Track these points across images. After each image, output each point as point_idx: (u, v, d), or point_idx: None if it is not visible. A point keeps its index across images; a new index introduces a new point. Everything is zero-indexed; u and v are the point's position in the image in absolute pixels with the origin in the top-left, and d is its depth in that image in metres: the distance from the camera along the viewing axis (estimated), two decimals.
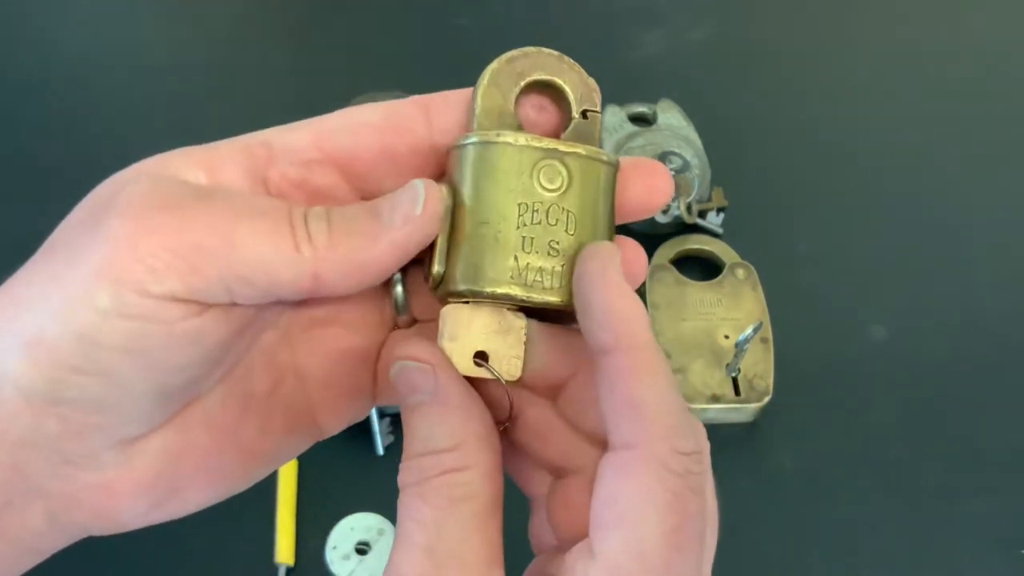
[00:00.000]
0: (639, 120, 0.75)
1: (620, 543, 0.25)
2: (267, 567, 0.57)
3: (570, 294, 0.28)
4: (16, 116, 0.79)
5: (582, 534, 0.27)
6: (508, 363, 0.29)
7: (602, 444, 0.28)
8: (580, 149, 0.29)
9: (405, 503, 0.26)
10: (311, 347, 0.30)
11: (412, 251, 0.27)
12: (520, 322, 0.29)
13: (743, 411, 0.61)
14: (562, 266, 0.28)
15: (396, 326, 0.31)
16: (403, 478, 0.27)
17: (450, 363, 0.28)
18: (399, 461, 0.27)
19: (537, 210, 0.28)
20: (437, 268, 0.29)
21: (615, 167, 0.30)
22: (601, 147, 0.30)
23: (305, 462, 0.60)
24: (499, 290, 0.28)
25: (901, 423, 0.63)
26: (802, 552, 0.59)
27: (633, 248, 0.30)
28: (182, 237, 0.25)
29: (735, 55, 0.84)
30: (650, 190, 0.30)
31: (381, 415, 0.61)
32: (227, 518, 0.59)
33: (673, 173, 0.70)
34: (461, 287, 0.28)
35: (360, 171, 0.30)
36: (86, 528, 0.28)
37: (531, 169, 0.28)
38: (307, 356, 0.30)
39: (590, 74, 0.31)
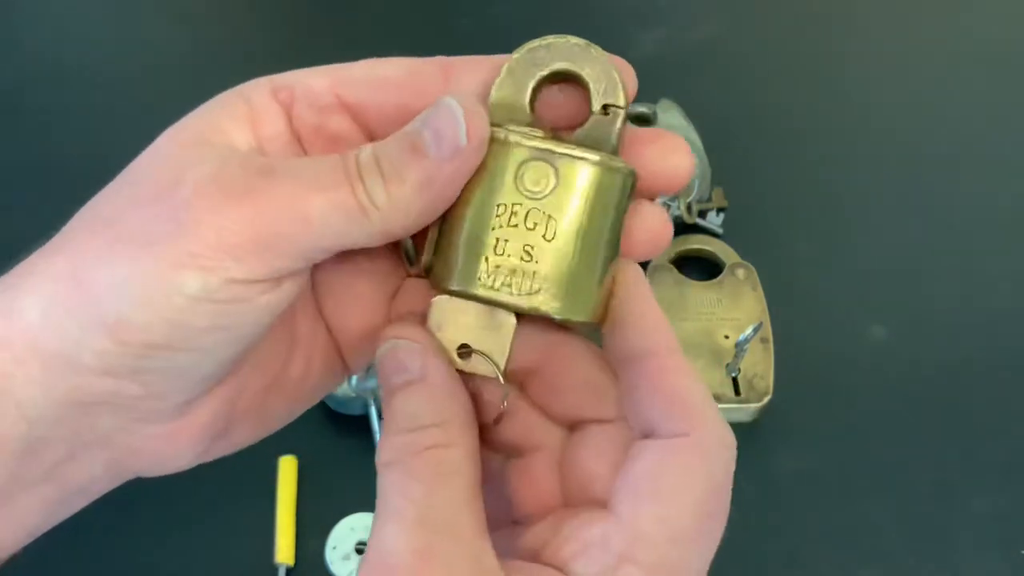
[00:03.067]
0: (639, 120, 0.75)
1: (653, 514, 0.26)
2: (267, 567, 0.57)
3: (543, 302, 0.28)
4: (15, 116, 0.79)
5: (544, 508, 0.29)
6: (491, 359, 0.29)
7: (568, 426, 0.30)
8: (579, 152, 0.27)
9: (391, 480, 0.26)
10: (336, 295, 0.31)
11: (467, 178, 0.27)
12: (510, 320, 0.29)
13: (743, 411, 0.61)
14: (534, 272, 0.27)
15: (410, 274, 0.31)
16: (385, 456, 0.27)
17: (439, 346, 0.28)
18: None
19: (516, 212, 0.27)
20: (425, 257, 0.29)
21: (626, 176, 0.28)
22: (617, 147, 0.28)
23: (305, 462, 0.60)
24: (467, 289, 0.28)
25: (901, 423, 0.63)
26: (802, 552, 0.59)
27: (660, 218, 0.30)
28: (262, 224, 0.25)
29: (735, 55, 0.84)
30: (665, 168, 0.29)
31: (381, 415, 0.61)
32: (227, 518, 0.59)
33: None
34: (437, 281, 0.29)
35: (373, 122, 0.30)
36: (139, 472, 0.29)
37: (516, 169, 0.27)
38: (333, 303, 0.31)
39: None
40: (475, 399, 0.29)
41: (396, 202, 0.26)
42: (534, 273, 0.27)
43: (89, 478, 0.28)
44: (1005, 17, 0.88)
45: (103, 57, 0.84)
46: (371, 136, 0.30)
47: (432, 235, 0.29)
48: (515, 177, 0.27)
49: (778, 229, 0.73)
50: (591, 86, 0.29)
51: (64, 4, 0.88)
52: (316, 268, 0.30)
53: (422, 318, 0.29)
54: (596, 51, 0.29)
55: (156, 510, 0.56)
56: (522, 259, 0.27)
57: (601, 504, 0.28)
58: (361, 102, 0.29)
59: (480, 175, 0.27)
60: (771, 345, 0.63)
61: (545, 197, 0.27)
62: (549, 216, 0.27)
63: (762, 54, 0.85)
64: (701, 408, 0.27)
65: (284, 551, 0.57)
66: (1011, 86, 0.82)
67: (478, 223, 0.28)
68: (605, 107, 0.29)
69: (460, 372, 0.29)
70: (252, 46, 0.85)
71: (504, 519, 0.30)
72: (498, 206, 0.27)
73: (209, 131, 0.28)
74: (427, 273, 0.29)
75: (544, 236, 0.27)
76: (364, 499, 0.58)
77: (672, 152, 0.29)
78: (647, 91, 0.76)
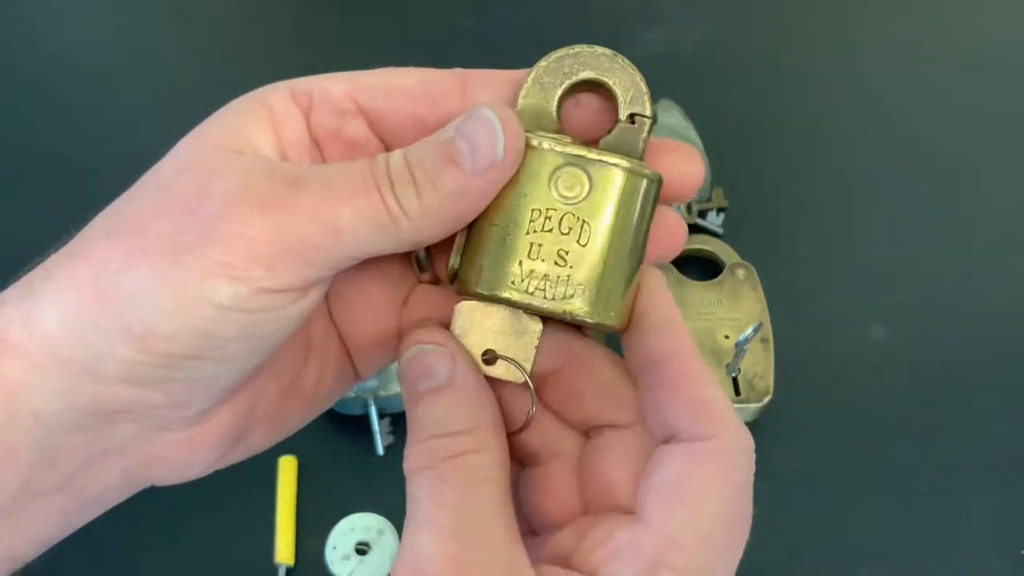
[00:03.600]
0: None
1: (683, 519, 0.26)
2: (267, 567, 0.57)
3: (576, 307, 0.28)
4: (17, 116, 0.79)
5: (564, 516, 0.29)
6: (518, 365, 0.29)
7: (584, 431, 0.30)
8: (611, 158, 0.28)
9: (421, 486, 0.26)
10: (344, 295, 0.31)
11: (497, 191, 0.27)
12: (536, 326, 0.29)
13: (743, 411, 0.61)
14: (568, 276, 0.28)
15: (420, 280, 0.32)
16: (413, 462, 0.27)
17: (467, 352, 0.29)
18: (399, 461, 0.28)
19: (550, 217, 0.28)
20: (452, 262, 0.29)
21: (650, 179, 0.28)
22: (643, 155, 0.29)
23: (305, 462, 0.60)
24: (500, 293, 0.28)
25: (901, 423, 0.63)
26: (802, 552, 0.59)
27: (676, 221, 0.30)
28: (292, 234, 0.25)
29: (735, 55, 0.84)
30: (681, 176, 0.29)
31: (381, 415, 0.61)
32: (227, 518, 0.59)
33: None
34: (466, 285, 0.29)
35: (388, 129, 0.30)
36: (155, 481, 0.29)
37: (550, 175, 0.28)
38: (344, 309, 0.31)
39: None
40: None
41: (428, 211, 0.26)
42: (568, 278, 0.28)
43: (104, 487, 0.28)
44: (1006, 18, 0.88)
45: (102, 57, 0.84)
46: (385, 143, 0.30)
47: (459, 241, 0.29)
48: (549, 183, 0.28)
49: (778, 229, 0.73)
50: (619, 95, 0.29)
51: (63, 4, 0.88)
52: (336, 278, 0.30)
53: (443, 324, 0.29)
54: (622, 60, 0.29)
55: (156, 510, 0.56)
56: (556, 263, 0.28)
57: (624, 510, 0.28)
58: (377, 109, 0.30)
59: (513, 181, 0.28)
60: (771, 345, 0.63)
61: (579, 203, 0.28)
62: (584, 221, 0.28)
63: (762, 54, 0.84)
64: (723, 412, 0.27)
65: (284, 551, 0.57)
66: (1011, 87, 0.82)
67: (512, 228, 0.28)
68: (632, 116, 0.29)
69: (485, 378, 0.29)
70: (252, 46, 0.85)
71: (523, 529, 0.30)
72: (532, 211, 0.28)
73: (233, 137, 0.28)
74: (452, 279, 0.29)
75: (579, 241, 0.28)
76: (364, 499, 0.59)
77: (688, 161, 0.30)
78: None
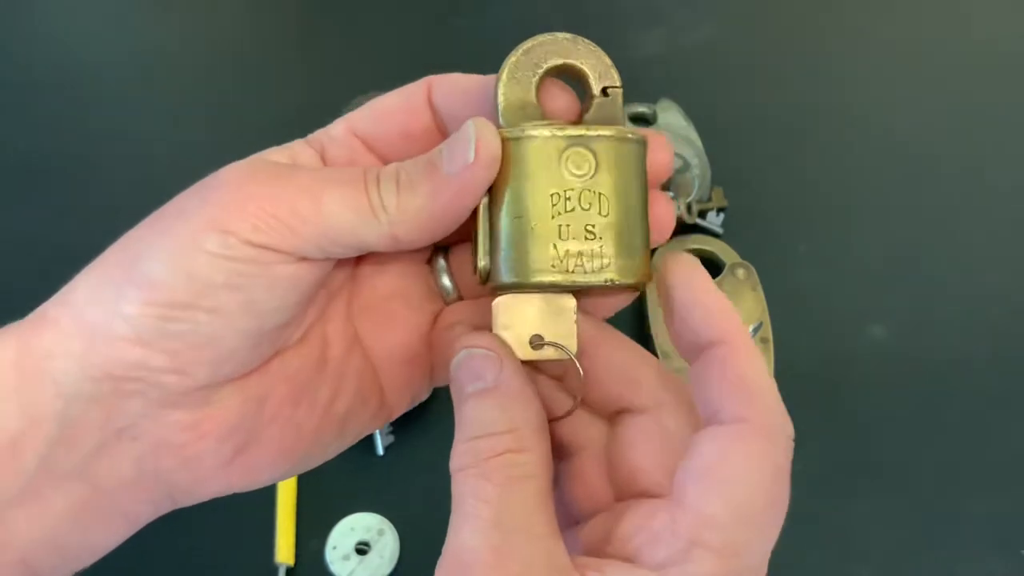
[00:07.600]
0: (639, 120, 0.75)
1: (719, 497, 0.27)
2: (267, 567, 0.57)
3: (614, 273, 0.29)
4: (18, 117, 0.79)
5: (598, 505, 0.30)
6: (563, 342, 0.30)
7: (608, 417, 0.31)
8: (604, 131, 0.30)
9: (465, 483, 0.27)
10: (371, 319, 0.33)
11: (478, 193, 0.29)
12: (570, 302, 0.30)
13: None
14: (600, 247, 0.29)
15: (447, 302, 0.34)
16: (458, 462, 0.28)
17: (514, 355, 0.30)
18: (399, 461, 0.28)
19: (569, 197, 0.29)
20: (482, 263, 0.30)
21: (641, 143, 0.30)
22: (624, 122, 0.31)
23: None
24: (544, 279, 0.29)
25: (901, 423, 0.63)
26: (802, 552, 0.59)
27: (662, 144, 0.31)
28: (280, 202, 0.28)
29: (735, 55, 0.84)
30: (653, 162, 0.31)
31: None
32: (227, 518, 0.59)
33: (673, 173, 0.70)
34: (506, 280, 0.30)
35: (388, 153, 0.32)
36: (171, 487, 0.30)
37: (558, 158, 0.29)
38: (368, 327, 0.33)
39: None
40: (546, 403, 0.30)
41: (405, 207, 0.29)
42: (600, 249, 0.29)
43: (119, 479, 0.29)
44: (1003, 18, 0.88)
45: (100, 57, 0.84)
46: (385, 161, 0.32)
47: (483, 242, 0.30)
48: (560, 166, 0.29)
49: (778, 229, 0.73)
50: (589, 73, 0.31)
51: (61, 4, 0.88)
52: (354, 293, 0.33)
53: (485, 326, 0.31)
54: (583, 42, 0.31)
55: None
56: (586, 238, 0.29)
57: (650, 494, 0.29)
58: (370, 133, 0.32)
59: (527, 173, 0.29)
60: (771, 345, 0.63)
61: (591, 178, 0.29)
62: (599, 194, 0.29)
63: (762, 54, 0.84)
64: (763, 394, 0.28)
65: (284, 551, 0.57)
66: (1010, 86, 0.82)
67: (537, 216, 0.29)
68: (604, 89, 0.31)
69: (531, 363, 0.30)
70: (251, 46, 0.85)
71: (567, 519, 0.31)
72: (552, 195, 0.29)
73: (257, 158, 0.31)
74: (484, 279, 0.30)
75: (600, 213, 0.29)
76: (364, 499, 0.59)
77: (658, 149, 0.31)
78: (647, 91, 0.77)
